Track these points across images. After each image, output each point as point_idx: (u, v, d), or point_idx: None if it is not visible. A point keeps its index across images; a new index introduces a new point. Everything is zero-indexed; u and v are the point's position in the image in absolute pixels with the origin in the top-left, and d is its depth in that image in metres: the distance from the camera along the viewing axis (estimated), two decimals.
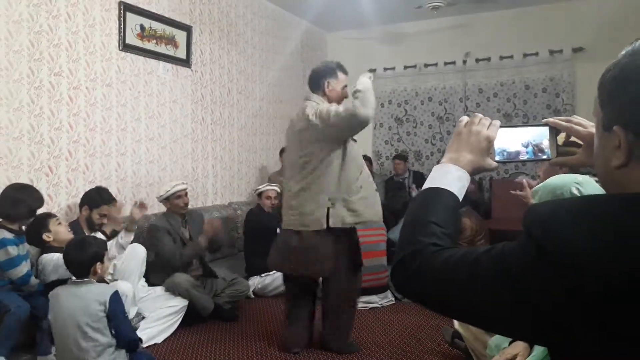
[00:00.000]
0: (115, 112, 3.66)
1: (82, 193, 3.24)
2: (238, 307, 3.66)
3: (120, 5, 3.65)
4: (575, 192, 1.35)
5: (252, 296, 4.01)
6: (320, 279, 3.06)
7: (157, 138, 4.04)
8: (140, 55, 3.86)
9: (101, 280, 2.32)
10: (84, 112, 3.44)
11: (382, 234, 3.98)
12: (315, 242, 2.81)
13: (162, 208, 3.67)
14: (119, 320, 2.23)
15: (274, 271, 4.01)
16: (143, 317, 3.07)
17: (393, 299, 3.91)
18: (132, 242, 3.16)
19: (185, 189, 3.54)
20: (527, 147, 0.94)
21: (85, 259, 2.22)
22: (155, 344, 3.05)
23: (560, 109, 5.43)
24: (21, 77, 3.05)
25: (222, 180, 4.79)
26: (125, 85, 3.74)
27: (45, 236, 2.79)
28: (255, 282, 4.05)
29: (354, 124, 2.70)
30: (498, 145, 0.94)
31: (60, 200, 3.29)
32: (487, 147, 0.92)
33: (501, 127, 0.94)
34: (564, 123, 0.95)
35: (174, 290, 3.27)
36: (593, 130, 0.82)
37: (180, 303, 3.24)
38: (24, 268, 2.64)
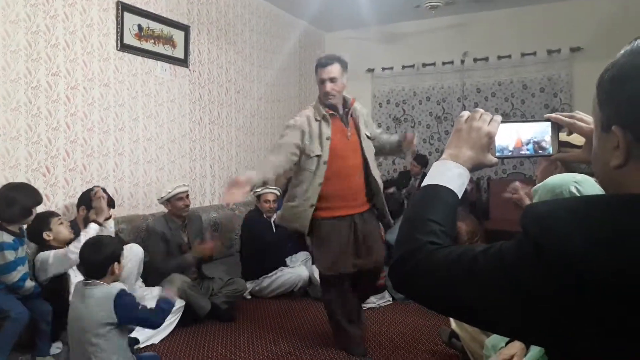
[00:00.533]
0: (113, 112, 3.66)
1: (80, 193, 3.24)
2: (235, 308, 3.65)
3: (117, 5, 3.64)
4: (574, 190, 1.35)
5: (249, 297, 4.00)
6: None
7: (154, 138, 4.03)
8: (138, 55, 3.85)
9: (117, 280, 2.28)
10: (82, 112, 3.43)
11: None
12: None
13: (161, 208, 3.67)
14: (134, 318, 2.18)
15: (271, 273, 4.02)
16: None
17: (390, 299, 3.91)
18: (131, 242, 3.15)
19: (186, 191, 3.53)
20: (527, 144, 0.94)
21: (99, 260, 2.17)
22: (152, 345, 3.04)
23: (558, 109, 5.43)
24: (18, 77, 3.04)
25: (220, 180, 4.78)
26: (123, 85, 3.73)
27: (45, 235, 2.79)
28: (251, 285, 4.03)
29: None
30: (499, 141, 0.93)
31: (57, 200, 3.28)
32: (488, 143, 0.92)
33: (502, 122, 0.93)
34: (566, 119, 0.94)
35: None
36: None
37: (177, 303, 3.23)
38: (18, 273, 2.59)
